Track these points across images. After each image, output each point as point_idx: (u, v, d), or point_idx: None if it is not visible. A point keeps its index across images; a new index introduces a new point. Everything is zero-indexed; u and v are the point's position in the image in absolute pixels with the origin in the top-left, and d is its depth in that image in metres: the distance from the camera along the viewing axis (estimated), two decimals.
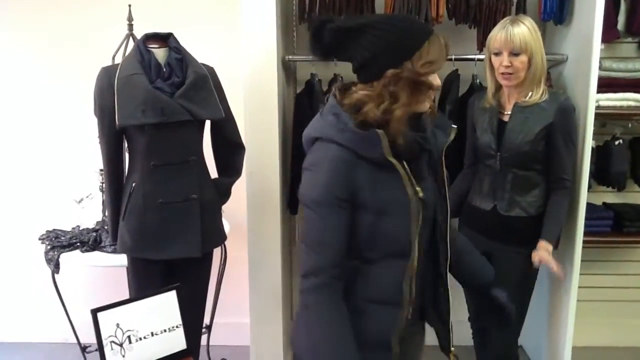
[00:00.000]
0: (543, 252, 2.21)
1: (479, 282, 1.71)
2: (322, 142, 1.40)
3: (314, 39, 1.40)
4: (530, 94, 2.23)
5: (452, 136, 1.53)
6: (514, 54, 2.15)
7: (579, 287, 2.52)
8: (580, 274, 2.50)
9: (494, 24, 2.30)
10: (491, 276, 1.71)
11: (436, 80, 1.40)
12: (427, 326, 1.67)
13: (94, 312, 1.78)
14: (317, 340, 1.40)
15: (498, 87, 2.30)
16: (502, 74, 2.19)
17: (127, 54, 2.37)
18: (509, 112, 2.26)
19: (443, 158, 1.52)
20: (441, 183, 1.52)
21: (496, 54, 2.20)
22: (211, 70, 2.28)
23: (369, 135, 1.36)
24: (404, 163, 1.41)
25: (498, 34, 2.18)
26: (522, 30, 2.14)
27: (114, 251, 2.43)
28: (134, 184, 2.16)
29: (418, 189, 1.43)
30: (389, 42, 1.34)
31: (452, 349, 1.60)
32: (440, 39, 1.37)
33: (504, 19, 2.23)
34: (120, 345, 1.80)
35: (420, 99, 1.39)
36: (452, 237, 1.63)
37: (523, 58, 2.15)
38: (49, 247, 2.59)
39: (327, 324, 1.39)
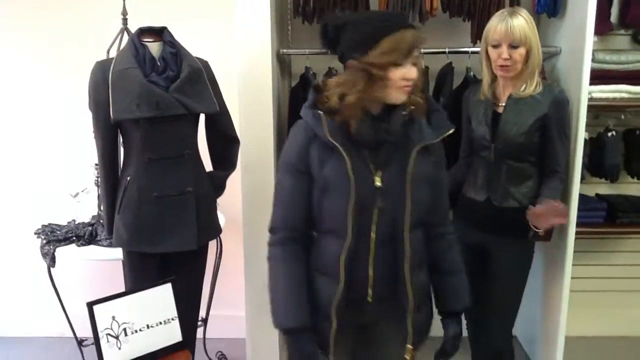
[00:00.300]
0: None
1: (452, 306, 1.72)
2: (300, 119, 1.61)
3: (322, 35, 1.57)
4: (524, 86, 2.23)
5: (441, 137, 1.60)
6: (513, 46, 2.14)
7: (572, 277, 2.53)
8: (573, 265, 2.51)
9: (488, 17, 2.30)
10: (463, 307, 1.72)
11: (406, 73, 1.47)
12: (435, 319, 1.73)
13: (90, 305, 1.79)
14: (270, 290, 1.62)
15: (493, 79, 2.30)
16: (501, 66, 2.19)
17: (121, 48, 2.37)
18: (504, 104, 2.26)
19: (415, 154, 1.53)
20: (403, 177, 1.53)
21: (494, 46, 2.18)
22: (205, 64, 2.28)
23: (315, 115, 1.54)
24: (361, 149, 1.52)
25: (497, 26, 2.16)
26: (521, 22, 2.13)
27: (110, 245, 2.43)
28: (129, 178, 2.17)
29: (377, 177, 1.53)
30: (356, 35, 1.48)
31: (408, 346, 1.61)
32: (407, 34, 1.46)
33: (501, 11, 2.22)
34: (116, 337, 1.82)
35: (376, 89, 1.48)
36: (444, 246, 1.70)
37: (522, 50, 2.15)
38: (44, 242, 2.60)
39: (277, 276, 1.60)
